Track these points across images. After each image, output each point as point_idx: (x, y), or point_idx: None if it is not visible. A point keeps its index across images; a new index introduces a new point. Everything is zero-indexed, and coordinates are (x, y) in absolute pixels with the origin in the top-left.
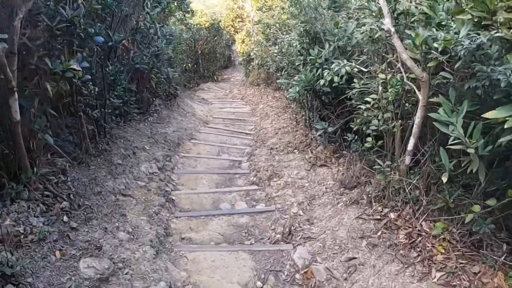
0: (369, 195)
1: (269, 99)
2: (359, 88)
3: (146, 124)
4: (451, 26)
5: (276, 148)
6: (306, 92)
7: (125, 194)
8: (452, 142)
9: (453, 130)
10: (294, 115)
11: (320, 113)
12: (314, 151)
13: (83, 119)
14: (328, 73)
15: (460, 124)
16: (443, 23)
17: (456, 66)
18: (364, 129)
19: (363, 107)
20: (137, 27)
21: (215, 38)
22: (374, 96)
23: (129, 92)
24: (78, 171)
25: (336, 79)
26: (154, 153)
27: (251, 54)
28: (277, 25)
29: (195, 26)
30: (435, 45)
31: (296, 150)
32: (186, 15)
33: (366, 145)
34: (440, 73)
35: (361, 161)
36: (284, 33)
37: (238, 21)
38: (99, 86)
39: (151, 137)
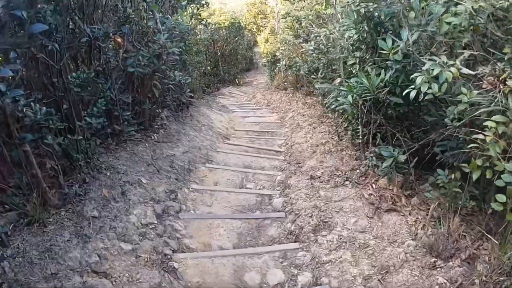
0: (483, 278)
1: (299, 105)
2: (469, 102)
3: (147, 144)
4: None
5: (319, 176)
6: (363, 102)
7: (98, 271)
8: None
9: None
10: (335, 128)
11: (380, 130)
12: (374, 186)
13: (31, 154)
14: (422, 78)
15: None
16: None
17: None
18: (486, 175)
19: (481, 137)
20: (126, 17)
21: (236, 39)
22: (499, 118)
23: (121, 105)
24: (25, 237)
25: (434, 87)
26: (153, 189)
27: (277, 54)
28: (310, 17)
29: (214, 25)
30: None
31: (347, 182)
32: (200, 8)
33: (495, 206)
34: None
35: (458, 212)
36: (319, 26)
37: (261, 18)
38: (64, 100)
39: (152, 164)
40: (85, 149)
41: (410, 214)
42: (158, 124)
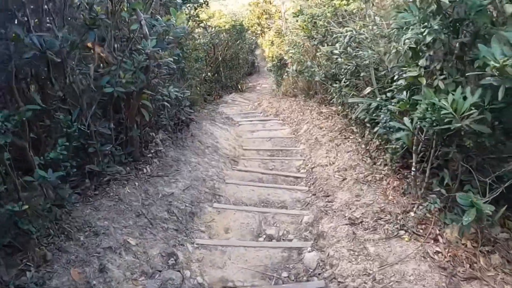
0: None
1: (313, 116)
2: None
3: (137, 183)
4: None
5: (360, 221)
6: (430, 129)
7: None
8: None
9: None
10: (364, 146)
11: (449, 166)
12: (441, 239)
13: None
14: None
15: None
16: None
17: None
18: None
19: None
20: (93, 19)
21: (237, 42)
22: None
23: (99, 138)
24: None
25: None
26: (145, 252)
27: (285, 57)
28: (328, 14)
29: (214, 28)
30: None
31: (402, 231)
32: (198, 8)
33: None
34: None
35: None
36: (338, 25)
37: (265, 18)
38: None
39: (143, 213)
40: (43, 211)
41: (495, 283)
42: (152, 151)
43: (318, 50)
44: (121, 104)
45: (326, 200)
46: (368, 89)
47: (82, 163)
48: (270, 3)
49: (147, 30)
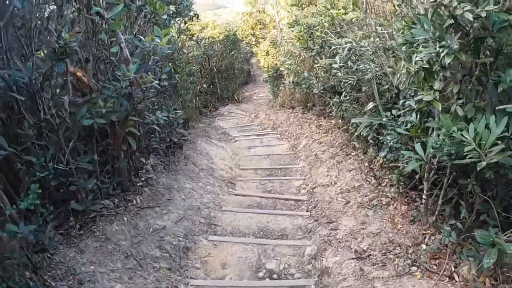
0: None
1: (312, 129)
2: None
3: (126, 217)
4: None
5: (368, 255)
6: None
7: None
8: None
9: None
10: (367, 164)
11: (464, 198)
12: (457, 276)
13: None
14: None
15: None
16: None
17: None
18: None
19: None
20: (62, 49)
21: (232, 53)
22: None
23: (80, 174)
24: None
25: None
26: None
27: (281, 68)
28: (326, 24)
29: (207, 40)
30: None
31: (414, 267)
32: (189, 22)
33: None
34: None
35: None
36: (336, 36)
37: (259, 28)
38: None
39: (132, 254)
40: (18, 266)
41: None
42: (142, 179)
43: (316, 61)
44: (107, 131)
45: (330, 227)
46: (371, 105)
47: (65, 200)
48: (264, 12)
49: (127, 53)
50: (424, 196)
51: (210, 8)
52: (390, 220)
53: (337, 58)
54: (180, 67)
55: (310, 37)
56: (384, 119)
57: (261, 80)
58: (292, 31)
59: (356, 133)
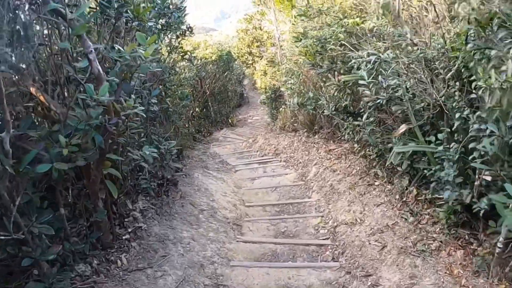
0: None
1: (321, 154)
2: None
3: (109, 284)
4: None
5: None
6: None
7: None
8: None
9: None
10: (399, 197)
11: None
12: None
13: None
14: None
15: None
16: None
17: None
18: None
19: None
20: None
21: (225, 74)
22: None
23: (38, 242)
24: None
25: None
26: None
27: (282, 89)
28: (341, 35)
29: (200, 60)
30: None
31: None
32: (181, 37)
33: None
34: None
35: None
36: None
37: (256, 46)
38: None
39: None
40: None
41: None
42: (129, 231)
43: (326, 79)
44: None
45: (369, 283)
46: (403, 127)
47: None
48: (261, 29)
49: (99, 68)
50: (499, 245)
51: (200, 32)
52: (447, 271)
53: (363, 72)
54: (172, 89)
55: (319, 52)
56: (440, 148)
57: (254, 102)
58: (297, 46)
59: (387, 162)
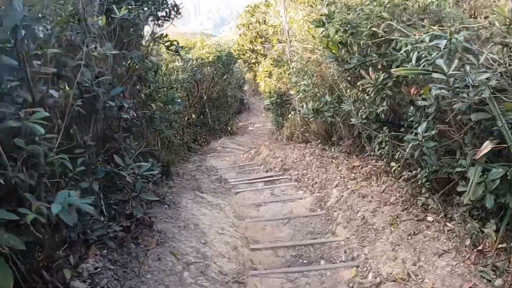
0: None
1: (343, 173)
2: None
3: None
4: None
5: None
6: None
7: None
8: None
9: None
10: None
11: None
12: None
13: None
14: None
15: None
16: None
17: None
18: None
19: None
20: None
21: (225, 77)
22: None
23: None
24: None
25: None
26: None
27: (291, 92)
28: (385, 14)
29: (196, 61)
30: None
31: None
32: (164, 21)
33: None
34: None
35: None
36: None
37: (260, 42)
38: None
39: None
40: None
41: None
42: None
43: (355, 78)
44: None
45: None
46: (488, 145)
47: None
48: (265, 23)
49: None
50: None
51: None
52: None
53: (440, 61)
54: (160, 92)
55: (343, 43)
56: None
57: (255, 109)
58: (314, 37)
59: (465, 199)
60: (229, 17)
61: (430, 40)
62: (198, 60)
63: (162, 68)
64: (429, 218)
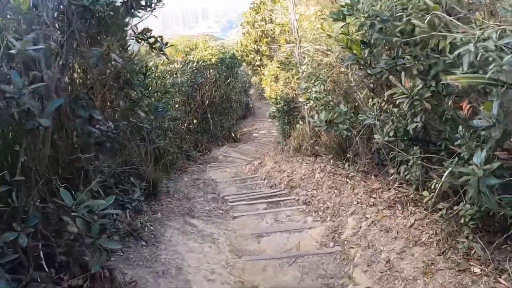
0: None
1: (360, 196)
2: None
3: None
4: None
5: None
6: None
7: None
8: None
9: None
10: None
11: None
12: None
13: None
14: None
15: None
16: None
17: None
18: None
19: None
20: None
21: (228, 81)
22: None
23: None
24: None
25: None
26: None
27: (301, 100)
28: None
29: (197, 63)
30: None
31: None
32: (141, 10)
33: None
34: None
35: None
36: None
37: (266, 42)
38: None
39: None
40: None
41: None
42: None
43: (380, 87)
44: None
45: None
46: None
47: None
48: (272, 21)
49: None
50: None
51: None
52: None
53: None
54: (149, 97)
55: (365, 42)
56: None
57: (261, 114)
58: (329, 35)
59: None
60: (237, 20)
61: (499, 38)
62: (200, 62)
63: (153, 70)
64: (476, 270)
